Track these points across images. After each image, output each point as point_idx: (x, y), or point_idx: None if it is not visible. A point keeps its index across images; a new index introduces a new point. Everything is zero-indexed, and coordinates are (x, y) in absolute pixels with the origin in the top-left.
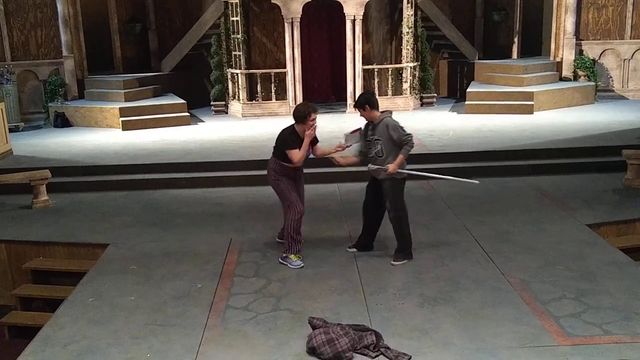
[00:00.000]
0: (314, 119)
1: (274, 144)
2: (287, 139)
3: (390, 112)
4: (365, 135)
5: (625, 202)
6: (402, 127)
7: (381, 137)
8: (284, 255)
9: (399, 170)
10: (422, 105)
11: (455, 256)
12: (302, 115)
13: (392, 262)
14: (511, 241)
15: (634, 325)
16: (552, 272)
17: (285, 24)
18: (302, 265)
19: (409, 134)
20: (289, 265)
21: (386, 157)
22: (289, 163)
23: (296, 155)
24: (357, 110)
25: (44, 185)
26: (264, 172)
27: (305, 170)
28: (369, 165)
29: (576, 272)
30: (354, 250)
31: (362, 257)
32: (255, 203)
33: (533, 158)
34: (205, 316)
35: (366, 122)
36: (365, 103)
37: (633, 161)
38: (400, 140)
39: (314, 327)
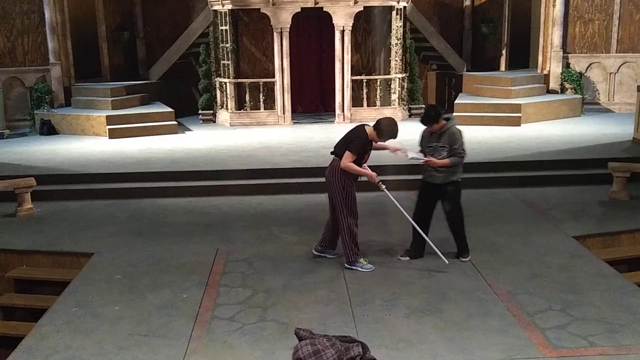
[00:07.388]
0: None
1: (339, 142)
2: (361, 137)
3: (454, 118)
4: (427, 140)
5: (610, 214)
6: (462, 142)
7: (446, 145)
8: (351, 260)
9: (453, 178)
10: (410, 116)
11: (441, 267)
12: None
13: (461, 259)
14: (498, 253)
15: (619, 337)
16: (538, 284)
17: (275, 34)
18: (373, 268)
19: (463, 151)
20: (359, 269)
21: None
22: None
23: (350, 160)
24: (427, 125)
25: (29, 194)
26: (252, 181)
27: (295, 180)
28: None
29: (562, 284)
30: (407, 258)
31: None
32: (242, 213)
33: (520, 170)
34: (191, 327)
35: (427, 130)
36: (440, 117)
37: (618, 174)
38: (453, 150)
39: (300, 338)
